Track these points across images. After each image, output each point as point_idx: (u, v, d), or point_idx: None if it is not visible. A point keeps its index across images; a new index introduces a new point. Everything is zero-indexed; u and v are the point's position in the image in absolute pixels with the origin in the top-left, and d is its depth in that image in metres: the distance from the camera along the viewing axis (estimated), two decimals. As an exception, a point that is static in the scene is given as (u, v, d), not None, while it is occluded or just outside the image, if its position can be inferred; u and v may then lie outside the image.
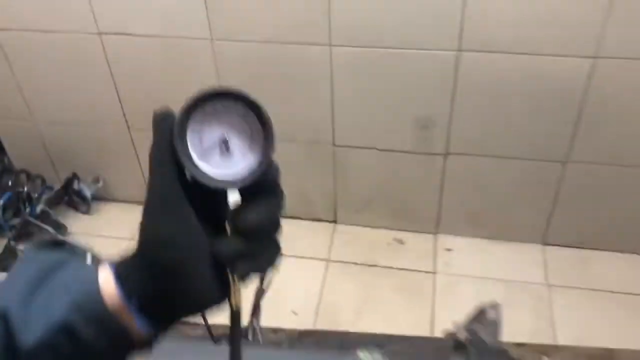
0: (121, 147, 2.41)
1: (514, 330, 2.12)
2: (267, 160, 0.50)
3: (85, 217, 2.56)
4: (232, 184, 0.49)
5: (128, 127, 2.33)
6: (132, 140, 2.38)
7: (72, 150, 2.49)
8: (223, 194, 0.51)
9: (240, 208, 0.50)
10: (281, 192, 0.52)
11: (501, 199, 2.24)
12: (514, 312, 2.10)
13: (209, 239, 0.49)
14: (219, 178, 0.49)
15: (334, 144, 2.18)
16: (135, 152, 2.42)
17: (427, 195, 2.27)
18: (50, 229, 2.40)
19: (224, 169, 0.49)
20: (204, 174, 0.48)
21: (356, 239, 2.40)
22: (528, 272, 2.24)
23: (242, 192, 0.50)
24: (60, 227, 2.46)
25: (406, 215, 2.35)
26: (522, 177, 2.15)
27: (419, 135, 2.08)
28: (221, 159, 0.50)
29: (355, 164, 2.22)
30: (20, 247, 2.32)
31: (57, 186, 2.53)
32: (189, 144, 0.48)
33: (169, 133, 0.48)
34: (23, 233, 2.38)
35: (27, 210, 2.41)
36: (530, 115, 1.96)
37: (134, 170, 2.47)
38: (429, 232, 2.37)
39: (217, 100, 0.49)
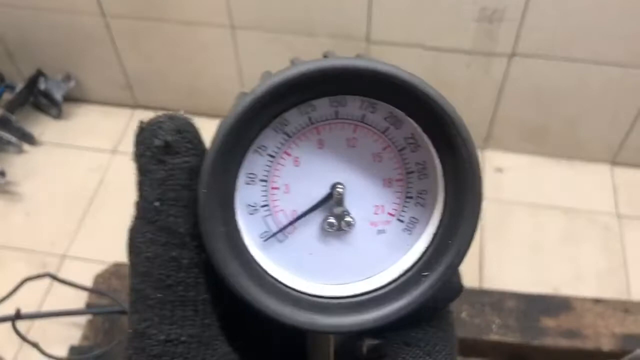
0: (95, 37, 1.92)
1: (578, 271, 1.84)
2: (461, 255, 0.27)
3: (56, 122, 2.12)
4: (352, 325, 0.25)
5: (103, 13, 1.83)
6: (108, 28, 1.88)
7: (35, 41, 2.00)
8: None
9: None
10: (454, 330, 0.30)
11: (569, 111, 1.83)
12: (577, 248, 1.77)
13: None
14: (321, 305, 0.25)
15: (367, 40, 1.71)
16: (113, 43, 1.93)
17: (478, 103, 1.85)
18: (14, 138, 1.98)
19: (332, 277, 0.26)
20: (278, 294, 0.24)
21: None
22: (594, 199, 1.87)
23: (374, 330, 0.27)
24: (26, 136, 2.02)
25: (449, 127, 1.93)
26: (602, 87, 1.72)
27: (481, 30, 1.61)
28: (323, 247, 0.25)
29: (393, 65, 1.77)
30: (-22, 162, 1.90)
31: (20, 85, 2.06)
32: (238, 214, 0.25)
33: (179, 184, 0.24)
34: (-19, 144, 1.95)
35: (-16, 116, 1.96)
36: (633, 13, 1.50)
37: (111, 65, 2.02)
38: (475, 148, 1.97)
39: (319, 97, 0.24)
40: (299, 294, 0.26)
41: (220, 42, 1.84)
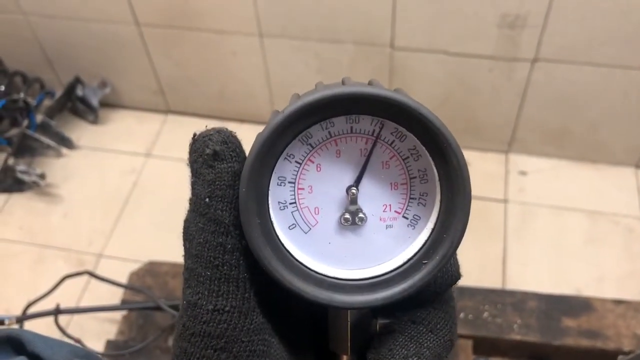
0: (129, 45, 2.00)
1: (600, 273, 1.85)
2: (454, 247, 0.32)
3: (93, 127, 2.21)
4: (364, 302, 0.32)
5: (137, 22, 1.91)
6: (141, 37, 1.96)
7: (73, 50, 2.09)
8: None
9: (384, 339, 0.33)
10: (456, 307, 0.36)
11: (592, 115, 1.84)
12: (600, 250, 1.78)
13: None
14: (338, 285, 0.31)
15: (392, 46, 1.76)
16: (147, 50, 2.01)
17: (502, 108, 1.87)
18: (53, 143, 2.07)
19: (347, 262, 0.32)
20: (303, 275, 0.31)
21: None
22: (618, 202, 1.88)
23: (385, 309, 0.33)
24: (65, 140, 2.12)
25: (473, 130, 1.96)
26: (625, 90, 1.73)
27: (503, 36, 1.64)
28: (340, 238, 0.32)
29: (417, 71, 1.81)
30: (20, 165, 1.99)
31: (59, 92, 2.16)
32: (271, 209, 0.31)
33: (225, 185, 0.31)
34: (22, 148, 2.05)
35: (26, 121, 2.05)
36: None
37: (144, 72, 2.10)
38: (499, 151, 2.00)
39: (337, 115, 0.31)
40: (320, 275, 0.32)
41: (249, 50, 1.90)
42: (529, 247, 1.81)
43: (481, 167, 1.97)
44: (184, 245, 0.34)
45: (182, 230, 0.34)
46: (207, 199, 0.32)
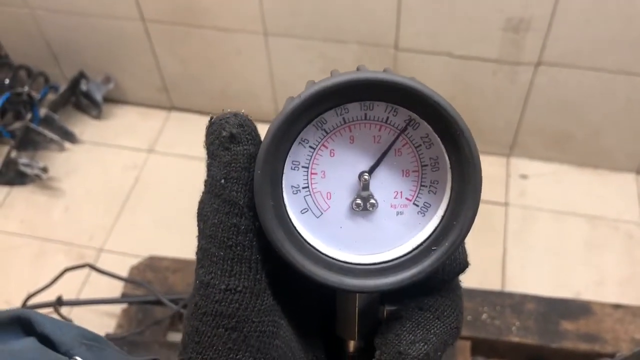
0: (134, 41, 2.01)
1: (600, 278, 1.85)
2: (463, 234, 0.32)
3: (96, 122, 2.21)
4: (373, 286, 0.32)
5: (142, 18, 1.92)
6: (146, 33, 1.97)
7: (78, 45, 2.09)
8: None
9: (391, 324, 0.33)
10: (462, 296, 0.36)
11: (594, 120, 1.84)
12: (600, 255, 1.79)
13: None
14: (348, 269, 0.32)
15: (396, 47, 1.76)
16: (151, 47, 2.02)
17: (504, 111, 1.88)
18: (56, 137, 2.07)
19: (358, 247, 0.32)
20: (314, 258, 0.31)
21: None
22: (618, 207, 1.88)
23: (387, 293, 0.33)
24: (68, 135, 2.12)
25: (475, 133, 1.92)
26: (627, 96, 1.74)
27: (507, 40, 1.65)
28: (351, 223, 0.32)
29: (421, 72, 1.81)
30: (23, 159, 2.00)
31: (63, 86, 2.16)
32: (284, 192, 0.32)
33: (240, 167, 0.32)
34: (25, 141, 2.05)
35: (29, 115, 2.06)
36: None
37: (148, 69, 2.10)
38: (501, 154, 2.00)
39: (352, 101, 0.31)
40: (330, 259, 0.33)
41: (253, 48, 1.91)
42: (529, 250, 1.81)
43: (482, 170, 1.97)
44: (198, 225, 0.34)
45: (195, 213, 0.34)
46: (222, 181, 0.32)
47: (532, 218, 1.87)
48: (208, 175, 0.33)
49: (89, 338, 0.45)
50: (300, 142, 0.32)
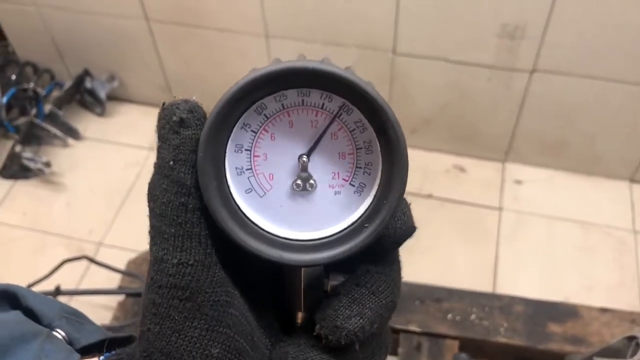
0: (138, 41, 2.05)
1: (590, 283, 1.87)
2: (391, 213, 0.34)
3: (99, 119, 2.25)
4: (310, 260, 0.34)
5: (146, 17, 1.96)
6: (150, 33, 2.01)
7: (83, 43, 2.13)
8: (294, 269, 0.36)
9: (330, 301, 0.36)
10: (400, 270, 0.39)
11: (589, 127, 1.87)
12: (591, 261, 1.81)
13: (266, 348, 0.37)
14: (288, 245, 0.34)
15: (394, 52, 1.79)
16: (155, 46, 2.06)
17: (500, 117, 1.91)
18: (60, 133, 2.11)
19: (298, 224, 0.35)
20: (256, 235, 0.34)
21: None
22: (611, 214, 1.91)
23: (331, 268, 0.37)
24: (71, 131, 2.16)
25: (470, 138, 1.99)
26: (621, 104, 1.76)
27: (503, 46, 1.68)
28: (292, 202, 0.35)
29: (418, 77, 1.85)
30: (27, 153, 2.04)
31: (68, 83, 2.20)
32: (227, 172, 0.34)
33: (188, 150, 0.33)
34: (29, 136, 2.09)
35: (34, 111, 2.10)
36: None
37: (152, 68, 2.14)
38: (496, 160, 2.03)
39: (288, 88, 0.33)
40: (272, 236, 0.36)
41: (254, 50, 1.94)
42: (521, 254, 1.83)
43: (477, 175, 2.00)
44: (149, 205, 0.36)
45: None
46: (171, 162, 0.34)
47: (525, 223, 1.90)
48: (158, 157, 0.35)
49: (69, 312, 0.48)
50: (242, 127, 0.34)
